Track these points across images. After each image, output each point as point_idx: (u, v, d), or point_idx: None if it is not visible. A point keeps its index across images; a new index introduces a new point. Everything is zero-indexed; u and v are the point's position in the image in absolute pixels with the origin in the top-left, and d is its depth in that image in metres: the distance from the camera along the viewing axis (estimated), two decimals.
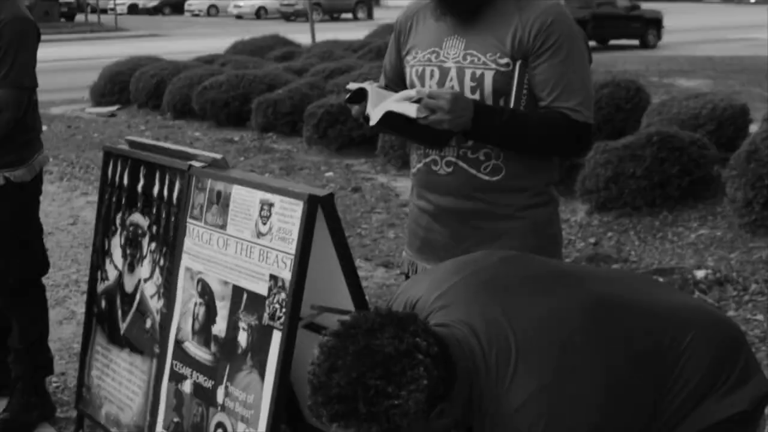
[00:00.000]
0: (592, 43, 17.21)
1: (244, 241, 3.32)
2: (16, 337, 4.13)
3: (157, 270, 3.77)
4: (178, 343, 3.60)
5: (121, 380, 3.91)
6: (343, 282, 3.31)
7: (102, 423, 3.99)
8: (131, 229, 3.91)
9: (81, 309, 5.14)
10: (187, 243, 3.60)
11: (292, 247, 3.11)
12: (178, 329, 3.61)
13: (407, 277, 3.06)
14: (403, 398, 1.93)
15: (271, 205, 3.22)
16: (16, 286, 4.08)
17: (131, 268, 3.91)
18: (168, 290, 3.68)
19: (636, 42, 25.54)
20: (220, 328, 3.41)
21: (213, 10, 50.28)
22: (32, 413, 4.16)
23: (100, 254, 4.10)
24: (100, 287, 4.09)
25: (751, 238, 6.25)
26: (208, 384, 3.45)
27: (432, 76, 2.84)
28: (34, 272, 4.16)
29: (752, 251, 6.04)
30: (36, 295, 4.20)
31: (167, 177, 3.73)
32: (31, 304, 4.17)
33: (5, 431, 4.08)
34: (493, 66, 2.75)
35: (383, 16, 37.40)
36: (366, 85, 2.80)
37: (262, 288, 3.23)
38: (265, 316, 3.20)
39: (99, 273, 4.10)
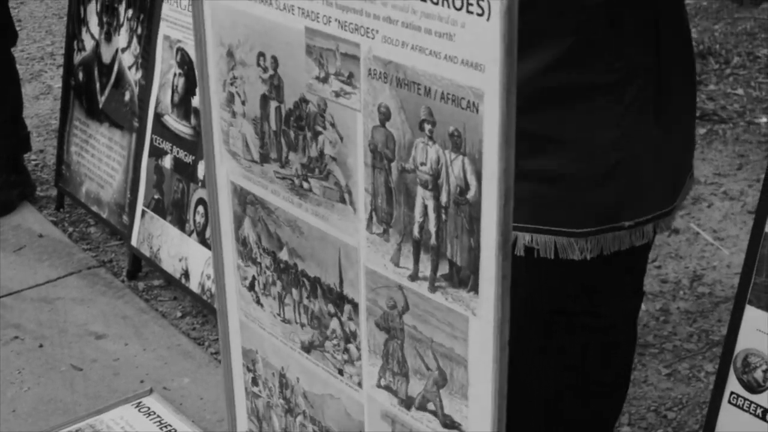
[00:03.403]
0: None
1: None
2: None
3: (135, 39, 3.52)
4: (158, 116, 3.40)
5: (101, 156, 3.74)
6: None
7: (82, 201, 3.85)
8: None
9: (57, 83, 4.93)
10: (165, 9, 3.34)
11: None
12: (158, 102, 3.39)
13: None
14: None
15: None
16: None
17: (108, 37, 3.67)
18: (146, 60, 3.44)
19: None
20: None
21: None
22: (12, 192, 4.01)
23: (75, 22, 3.85)
24: (77, 58, 3.85)
25: (737, 8, 5.95)
26: (189, 159, 3.27)
27: None
28: None
29: (737, 22, 5.75)
30: (6, 68, 3.96)
31: None
32: (0, 79, 3.92)
33: None
34: None
35: None
36: None
37: None
38: None
39: (75, 43, 3.86)
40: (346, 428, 1.53)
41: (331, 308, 1.47)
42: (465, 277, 1.22)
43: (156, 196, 3.41)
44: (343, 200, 1.37)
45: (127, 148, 3.58)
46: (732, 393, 2.01)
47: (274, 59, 1.40)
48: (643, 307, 3.06)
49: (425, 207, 1.24)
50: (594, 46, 1.75)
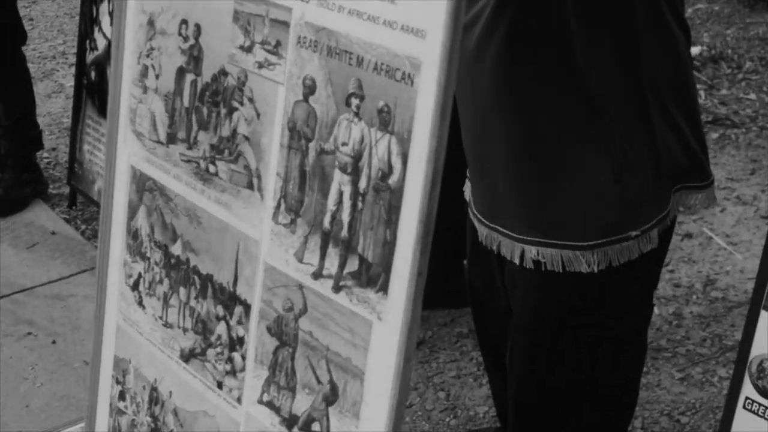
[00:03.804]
0: None
1: None
2: (1, 113, 3.89)
3: None
4: None
5: None
6: None
7: (95, 199, 3.75)
8: None
9: (70, 82, 4.83)
10: None
11: None
12: None
13: None
14: None
15: None
16: None
17: None
18: None
19: None
20: None
21: None
22: (25, 189, 3.95)
23: (88, 22, 3.78)
24: (89, 57, 3.79)
25: (749, 13, 5.95)
26: None
27: None
28: (8, 41, 3.81)
29: (749, 27, 5.75)
30: (17, 67, 3.89)
31: None
32: (11, 77, 3.85)
33: None
34: None
35: None
36: None
37: None
38: None
39: (87, 42, 3.80)
40: None
41: (220, 310, 1.32)
42: (375, 275, 1.10)
43: None
44: (250, 185, 1.24)
45: None
46: (747, 398, 1.98)
47: (197, 27, 1.29)
48: (656, 311, 3.04)
49: (341, 194, 1.12)
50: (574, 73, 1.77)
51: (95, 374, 1.59)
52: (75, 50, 3.98)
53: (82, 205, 3.99)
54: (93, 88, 3.79)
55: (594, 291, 1.97)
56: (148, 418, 1.49)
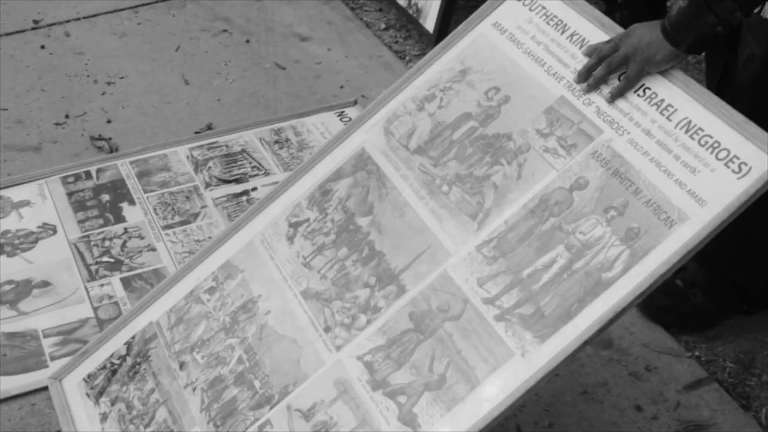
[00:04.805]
0: None
1: None
2: None
3: None
4: None
5: None
6: None
7: None
8: None
9: None
10: None
11: None
12: None
13: None
14: None
15: None
16: None
17: None
18: None
19: None
20: None
21: None
22: None
23: None
24: None
25: None
26: None
27: None
28: None
29: None
30: None
31: None
32: None
33: None
34: None
35: None
36: None
37: None
38: None
39: None
40: (283, 372, 1.58)
41: (372, 280, 1.58)
42: (541, 327, 1.39)
43: None
44: (473, 216, 1.54)
45: None
46: None
47: (506, 98, 1.63)
48: None
49: (554, 262, 1.43)
50: None
51: (195, 261, 1.81)
52: None
53: None
54: None
55: None
56: (228, 318, 1.70)
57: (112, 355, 1.81)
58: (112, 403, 1.75)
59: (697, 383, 1.92)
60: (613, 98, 1.51)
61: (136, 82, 2.81)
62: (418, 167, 1.65)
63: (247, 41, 3.05)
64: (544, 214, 1.48)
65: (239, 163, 2.47)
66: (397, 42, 3.16)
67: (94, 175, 2.41)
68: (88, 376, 1.81)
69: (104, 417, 1.75)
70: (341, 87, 2.84)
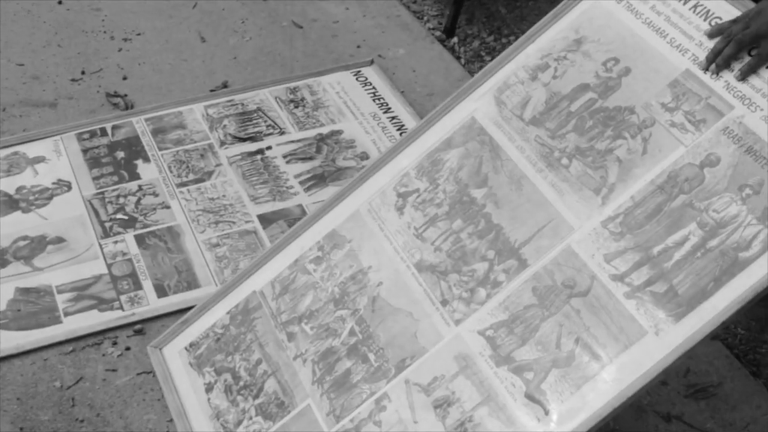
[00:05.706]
0: None
1: None
2: None
3: None
4: None
5: None
6: None
7: None
8: None
9: None
10: None
11: None
12: None
13: None
14: None
15: None
16: None
17: None
18: None
19: None
20: None
21: None
22: None
23: None
24: None
25: None
26: None
27: None
28: None
29: None
30: None
31: None
32: None
33: None
34: None
35: None
36: None
37: None
38: None
39: None
40: (398, 345, 1.58)
41: (491, 254, 1.57)
42: (675, 305, 1.37)
43: None
44: (596, 191, 1.52)
45: None
46: None
47: (626, 69, 1.60)
48: None
49: (686, 239, 1.41)
50: None
51: (299, 229, 1.79)
52: None
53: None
54: None
55: None
56: (337, 289, 1.69)
57: (214, 324, 1.80)
58: (218, 374, 1.75)
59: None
60: (743, 75, 1.48)
61: (153, 38, 2.79)
62: (534, 139, 1.63)
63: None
64: (673, 190, 1.46)
65: (254, 121, 2.46)
66: (415, 2, 3.13)
67: (109, 131, 2.41)
68: (190, 345, 1.81)
69: (209, 387, 1.74)
70: (358, 46, 2.82)
